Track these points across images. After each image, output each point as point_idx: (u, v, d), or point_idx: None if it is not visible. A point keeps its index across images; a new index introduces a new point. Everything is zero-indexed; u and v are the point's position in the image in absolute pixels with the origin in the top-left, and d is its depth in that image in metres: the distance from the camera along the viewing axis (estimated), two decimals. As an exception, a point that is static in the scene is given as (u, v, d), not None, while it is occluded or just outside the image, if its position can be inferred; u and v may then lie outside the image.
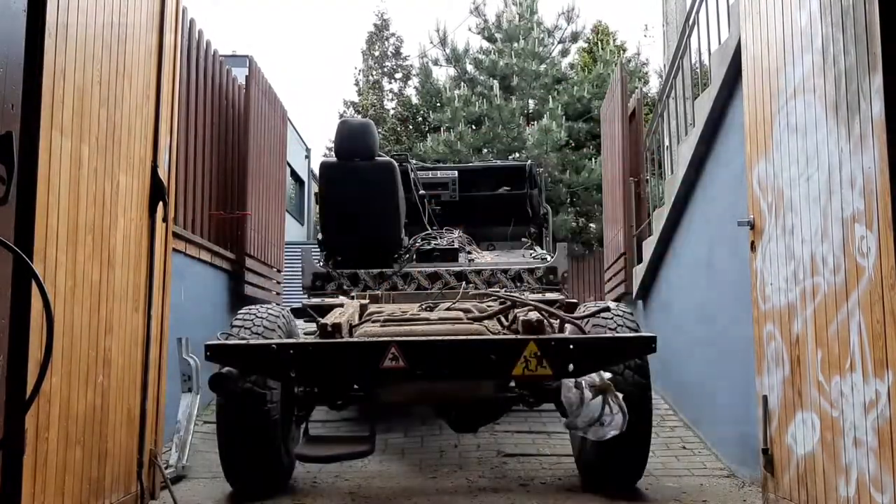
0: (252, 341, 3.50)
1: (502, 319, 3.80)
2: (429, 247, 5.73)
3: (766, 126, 3.35)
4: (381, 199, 5.45)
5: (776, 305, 3.24)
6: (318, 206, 5.80)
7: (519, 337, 3.34)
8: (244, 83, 6.88)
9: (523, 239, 6.57)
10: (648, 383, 3.68)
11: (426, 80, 19.19)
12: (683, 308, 5.55)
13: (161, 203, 3.46)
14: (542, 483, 4.09)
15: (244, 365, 3.39)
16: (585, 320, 3.68)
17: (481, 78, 17.69)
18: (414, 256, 5.52)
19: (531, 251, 6.23)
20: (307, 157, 21.16)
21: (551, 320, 3.61)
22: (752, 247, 3.51)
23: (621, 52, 18.38)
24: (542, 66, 16.92)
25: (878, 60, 2.39)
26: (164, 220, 3.54)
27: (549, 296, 4.61)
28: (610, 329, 3.63)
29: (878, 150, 2.40)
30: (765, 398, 3.36)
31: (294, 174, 18.77)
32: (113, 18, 2.95)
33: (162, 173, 3.46)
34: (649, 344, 3.38)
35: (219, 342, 3.43)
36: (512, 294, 4.42)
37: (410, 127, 20.59)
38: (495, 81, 16.67)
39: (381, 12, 28.07)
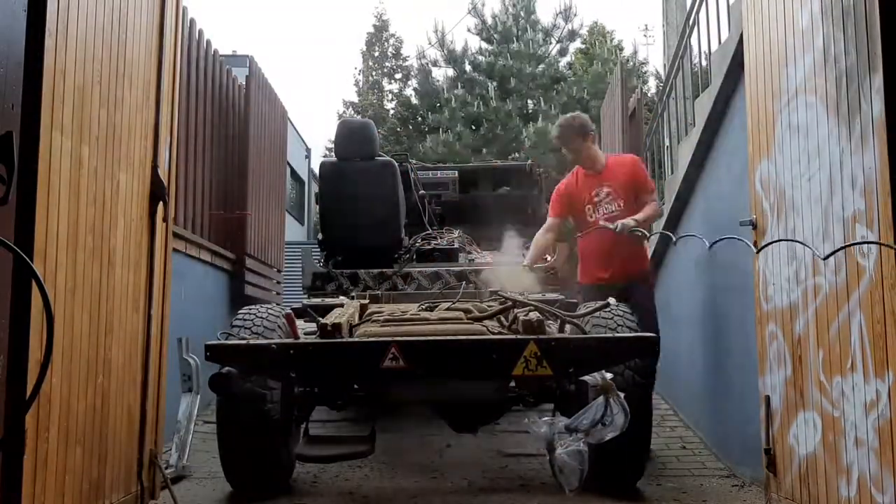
0: (252, 341, 3.50)
1: (502, 319, 3.80)
2: (429, 247, 5.72)
3: (768, 126, 3.35)
4: (381, 199, 5.44)
5: (778, 305, 3.24)
6: (318, 206, 5.80)
7: (519, 337, 3.33)
8: (244, 83, 6.88)
9: (524, 239, 6.56)
10: (648, 383, 3.67)
11: (425, 81, 19.17)
12: (683, 308, 5.55)
13: (161, 203, 3.45)
14: (542, 483, 4.08)
15: (244, 365, 3.39)
16: (586, 319, 3.68)
17: (480, 79, 17.66)
18: (414, 256, 5.52)
19: (531, 251, 6.21)
20: (307, 157, 21.14)
21: (551, 320, 3.61)
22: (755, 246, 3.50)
23: (618, 51, 18.36)
24: (540, 67, 16.90)
25: (878, 60, 2.38)
26: (165, 220, 3.54)
27: (549, 296, 4.60)
28: (610, 329, 3.63)
29: (879, 149, 2.40)
30: (767, 398, 3.36)
31: (294, 174, 18.74)
32: (113, 18, 2.95)
33: (162, 173, 3.45)
34: (651, 345, 3.36)
35: (219, 342, 3.43)
36: (512, 294, 4.41)
37: (410, 127, 20.56)
38: (492, 83, 16.66)
39: (380, 13, 28.10)
